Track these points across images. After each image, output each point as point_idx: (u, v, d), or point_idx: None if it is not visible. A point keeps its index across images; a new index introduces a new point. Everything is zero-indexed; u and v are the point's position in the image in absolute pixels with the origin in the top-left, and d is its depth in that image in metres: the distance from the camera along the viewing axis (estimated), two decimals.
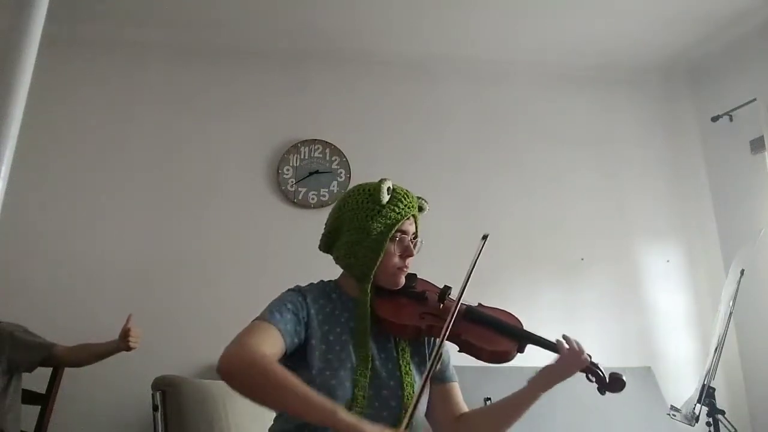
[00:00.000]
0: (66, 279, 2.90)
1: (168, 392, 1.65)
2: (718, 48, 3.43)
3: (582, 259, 3.37)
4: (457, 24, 3.23)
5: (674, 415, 2.39)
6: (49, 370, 2.45)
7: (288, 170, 3.25)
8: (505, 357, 1.34)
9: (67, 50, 3.12)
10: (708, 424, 2.32)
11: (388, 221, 1.34)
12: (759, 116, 3.03)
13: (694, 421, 2.31)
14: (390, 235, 1.33)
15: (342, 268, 1.41)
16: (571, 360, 1.29)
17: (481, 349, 1.32)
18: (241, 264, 3.03)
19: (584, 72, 3.65)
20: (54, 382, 2.42)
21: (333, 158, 3.29)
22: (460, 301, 1.30)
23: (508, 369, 2.88)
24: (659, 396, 3.02)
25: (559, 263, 3.34)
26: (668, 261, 3.46)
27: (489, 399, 2.78)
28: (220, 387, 1.83)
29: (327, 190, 3.24)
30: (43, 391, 2.40)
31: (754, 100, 3.07)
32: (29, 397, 2.37)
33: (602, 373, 1.33)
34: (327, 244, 1.45)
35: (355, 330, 1.31)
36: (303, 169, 3.25)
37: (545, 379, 1.31)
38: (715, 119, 3.35)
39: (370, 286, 1.33)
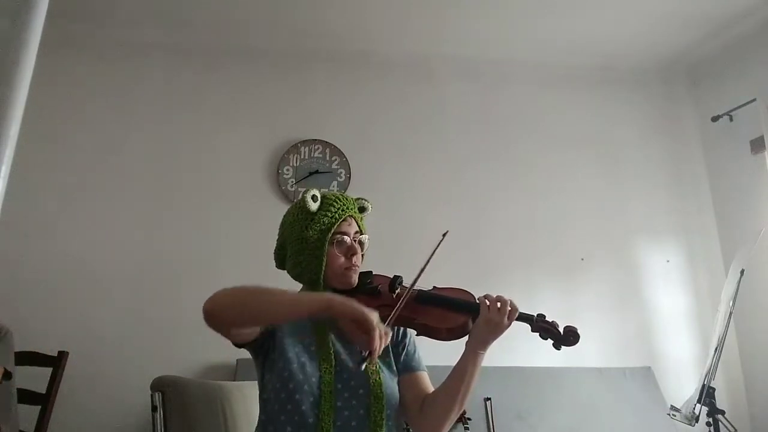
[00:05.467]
0: (66, 279, 2.90)
1: (167, 393, 1.64)
2: (718, 48, 3.44)
3: (582, 259, 3.37)
4: (457, 24, 3.23)
5: (674, 415, 2.39)
6: (49, 370, 2.45)
7: (288, 170, 3.25)
8: (461, 331, 1.36)
9: (67, 50, 3.12)
10: (708, 424, 2.32)
11: (323, 226, 1.40)
12: (759, 116, 3.04)
13: (694, 421, 2.31)
14: (328, 239, 1.39)
15: (295, 279, 1.47)
16: (490, 316, 1.32)
17: (437, 329, 1.35)
18: (241, 263, 3.02)
19: (584, 72, 3.65)
20: (54, 382, 2.41)
21: (333, 158, 3.29)
22: (412, 287, 1.35)
23: (509, 369, 2.90)
24: (659, 396, 3.02)
25: (559, 263, 3.34)
26: (668, 261, 3.46)
27: (489, 399, 2.80)
28: (221, 388, 1.83)
29: (327, 190, 3.24)
30: (43, 391, 2.40)
31: (754, 100, 3.07)
32: (29, 397, 2.37)
33: (555, 328, 1.35)
34: (279, 261, 1.52)
35: (317, 332, 1.38)
36: (303, 169, 3.25)
37: (477, 337, 1.35)
38: (715, 119, 3.35)
39: (321, 290, 1.40)
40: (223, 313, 1.21)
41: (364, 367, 1.16)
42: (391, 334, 1.19)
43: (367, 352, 1.12)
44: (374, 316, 1.14)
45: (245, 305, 1.22)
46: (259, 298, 1.22)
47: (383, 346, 1.14)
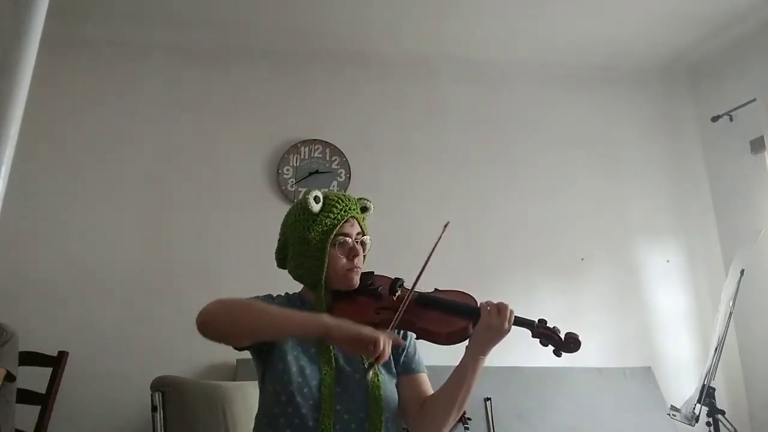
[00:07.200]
0: (66, 279, 2.90)
1: (167, 393, 1.65)
2: (718, 48, 3.44)
3: (582, 259, 3.37)
4: (457, 24, 3.23)
5: (674, 415, 2.39)
6: (49, 370, 2.45)
7: (288, 170, 3.25)
8: (461, 336, 1.35)
9: (67, 50, 3.12)
10: (708, 424, 2.32)
11: (325, 228, 1.39)
12: (759, 116, 3.04)
13: (694, 421, 2.31)
14: (330, 241, 1.38)
15: (296, 280, 1.46)
16: (491, 322, 1.31)
17: (437, 333, 1.34)
18: (241, 264, 3.03)
19: (584, 72, 3.65)
20: (54, 382, 2.41)
21: (333, 158, 3.29)
22: (412, 291, 1.34)
23: (509, 370, 2.90)
24: (659, 396, 3.02)
25: (559, 263, 3.34)
26: (668, 261, 3.46)
27: (489, 399, 2.80)
28: (221, 388, 1.83)
29: (329, 190, 3.24)
30: (43, 391, 2.40)
31: (754, 100, 3.07)
32: (29, 397, 2.37)
33: (555, 334, 1.33)
34: (281, 261, 1.51)
35: None
36: (303, 169, 3.25)
37: (477, 343, 1.35)
38: (715, 119, 3.35)
39: (323, 291, 1.39)
40: (216, 327, 1.21)
41: (371, 374, 1.16)
42: (394, 334, 1.19)
43: (374, 359, 1.12)
44: (370, 329, 1.13)
45: (238, 320, 1.22)
46: (252, 314, 1.22)
47: (390, 349, 1.14)
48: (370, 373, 1.15)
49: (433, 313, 1.37)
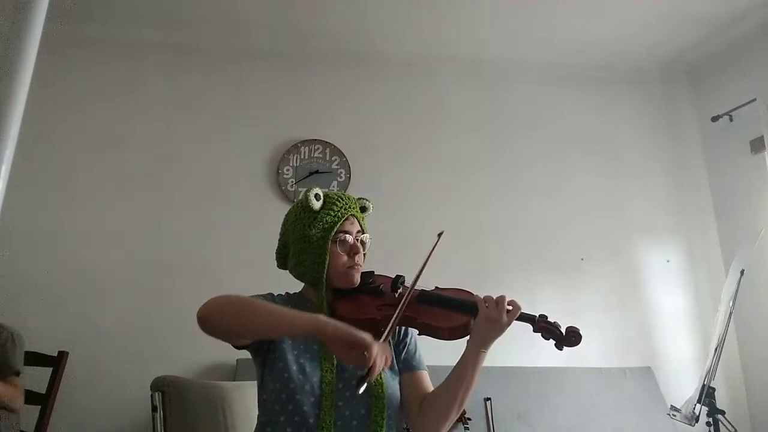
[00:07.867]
0: (66, 279, 2.90)
1: (167, 393, 1.65)
2: (718, 48, 3.44)
3: (582, 259, 3.37)
4: (457, 24, 3.23)
5: (674, 415, 2.39)
6: (49, 370, 2.45)
7: (288, 170, 3.25)
8: (463, 331, 1.36)
9: (67, 50, 3.12)
10: (708, 424, 2.32)
11: (326, 225, 1.39)
12: (759, 116, 3.04)
13: (694, 421, 2.31)
14: (331, 238, 1.39)
15: (297, 279, 1.47)
16: (489, 314, 1.31)
17: (438, 329, 1.35)
18: (241, 264, 3.03)
19: (584, 72, 3.65)
20: (54, 382, 2.41)
21: (333, 158, 3.29)
22: (413, 287, 1.35)
23: (508, 369, 2.91)
24: (659, 396, 3.02)
25: (559, 263, 3.34)
26: (668, 261, 3.46)
27: (489, 399, 2.80)
28: (221, 388, 1.83)
29: (328, 189, 3.24)
30: (43, 391, 2.40)
31: (754, 100, 3.07)
32: (29, 397, 2.36)
33: (557, 328, 1.34)
34: (281, 261, 1.52)
35: None
36: (303, 169, 3.26)
37: (477, 336, 1.35)
38: (715, 119, 3.35)
39: (324, 289, 1.40)
40: (215, 322, 1.21)
41: (363, 389, 1.07)
42: (390, 349, 1.15)
43: (366, 371, 1.07)
44: (368, 336, 1.09)
45: (237, 317, 1.21)
46: (252, 311, 1.21)
47: (382, 364, 1.09)
48: (362, 387, 1.05)
49: (435, 310, 1.38)
